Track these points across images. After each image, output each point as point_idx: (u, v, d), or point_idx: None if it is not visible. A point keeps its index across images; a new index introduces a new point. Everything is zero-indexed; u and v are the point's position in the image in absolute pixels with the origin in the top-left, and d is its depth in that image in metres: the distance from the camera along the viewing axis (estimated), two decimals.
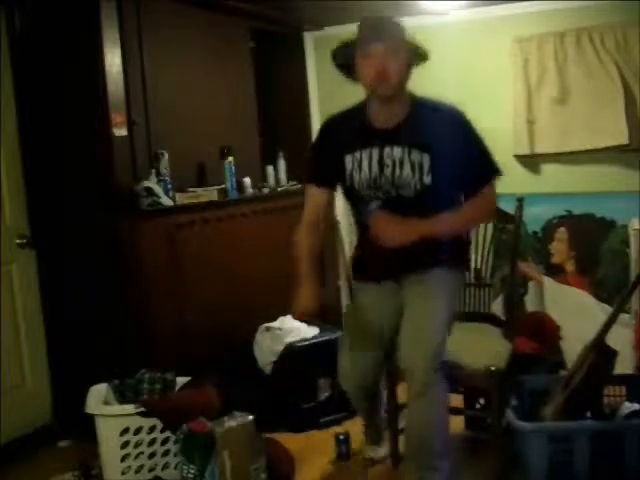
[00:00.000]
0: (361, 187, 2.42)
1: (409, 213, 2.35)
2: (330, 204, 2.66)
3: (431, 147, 2.31)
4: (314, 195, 2.58)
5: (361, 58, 2.29)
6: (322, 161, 2.55)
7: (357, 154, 2.39)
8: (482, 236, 3.09)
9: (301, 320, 2.95)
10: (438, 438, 2.54)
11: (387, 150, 2.34)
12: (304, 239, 2.57)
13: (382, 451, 2.95)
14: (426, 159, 2.31)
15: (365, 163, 2.38)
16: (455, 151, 2.30)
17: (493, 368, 2.65)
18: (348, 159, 2.42)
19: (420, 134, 2.32)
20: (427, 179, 2.32)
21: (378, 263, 2.53)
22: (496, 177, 2.44)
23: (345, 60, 2.36)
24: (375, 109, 2.39)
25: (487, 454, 2.81)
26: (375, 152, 2.36)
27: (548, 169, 4.12)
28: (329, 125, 2.55)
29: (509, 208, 3.01)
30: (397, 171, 2.34)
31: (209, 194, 3.45)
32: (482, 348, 2.84)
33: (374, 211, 2.38)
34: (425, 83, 4.25)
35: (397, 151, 2.33)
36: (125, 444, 2.67)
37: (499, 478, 2.73)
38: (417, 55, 2.36)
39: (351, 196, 2.53)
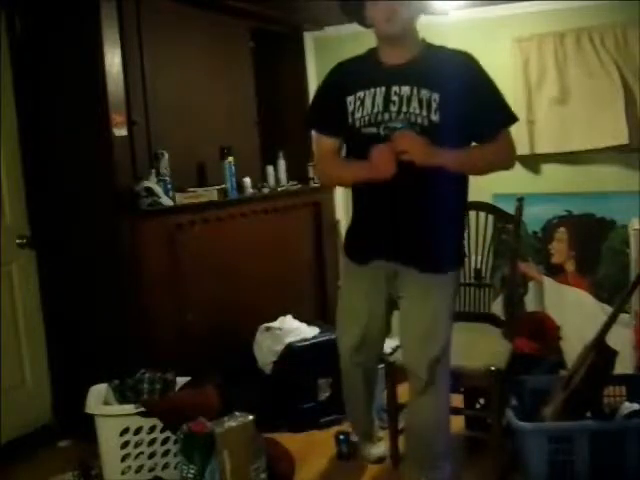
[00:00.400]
0: (362, 124, 2.29)
1: None
2: (340, 150, 2.49)
3: (441, 86, 2.21)
4: (322, 144, 2.48)
5: (369, 2, 2.24)
6: (325, 106, 2.46)
7: (360, 94, 2.30)
8: (482, 236, 3.09)
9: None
10: (438, 438, 2.55)
11: (395, 88, 2.25)
12: (325, 166, 2.51)
13: (379, 450, 2.94)
14: (435, 97, 2.20)
15: (368, 101, 2.27)
16: (467, 94, 2.21)
17: (493, 368, 2.65)
18: (350, 99, 2.32)
19: (430, 73, 2.24)
20: (435, 116, 2.21)
21: (373, 232, 2.42)
22: (511, 123, 2.34)
23: (354, 6, 2.32)
24: (385, 50, 2.33)
25: (487, 454, 2.81)
26: (380, 90, 2.26)
27: (548, 169, 4.12)
28: (335, 70, 2.48)
29: (509, 208, 3.01)
30: (404, 107, 2.23)
31: (209, 194, 3.45)
32: (482, 348, 2.84)
33: (400, 129, 2.22)
34: None
35: (405, 89, 2.24)
36: (125, 444, 2.67)
37: (499, 478, 2.73)
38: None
39: (353, 142, 2.39)
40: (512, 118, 2.36)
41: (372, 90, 2.28)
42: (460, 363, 2.71)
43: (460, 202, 2.48)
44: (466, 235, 3.05)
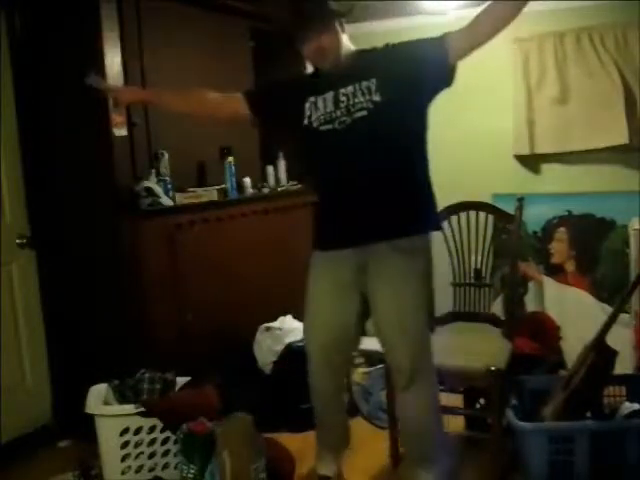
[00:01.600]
0: (319, 123, 2.48)
1: (369, 134, 2.41)
2: (234, 113, 2.84)
3: (376, 72, 2.42)
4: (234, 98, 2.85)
5: (298, 43, 2.46)
6: (271, 94, 2.74)
7: (312, 98, 2.51)
8: (482, 236, 3.09)
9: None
10: (428, 434, 2.56)
11: (341, 90, 2.45)
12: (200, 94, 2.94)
13: (333, 468, 2.76)
14: (372, 82, 2.41)
15: (320, 104, 2.49)
16: (401, 64, 2.41)
17: (493, 368, 2.65)
18: (306, 105, 2.52)
19: (363, 68, 2.45)
20: (376, 96, 2.40)
21: (337, 221, 2.53)
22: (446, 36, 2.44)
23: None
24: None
25: (487, 454, 2.81)
26: (329, 95, 2.48)
27: (548, 169, 4.12)
28: (296, 77, 2.92)
29: (509, 208, 3.01)
30: (351, 100, 2.43)
31: (209, 194, 3.45)
32: (482, 348, 2.84)
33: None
34: None
35: (349, 88, 2.45)
36: (125, 444, 2.67)
37: (499, 478, 2.73)
38: (340, 16, 2.47)
39: (311, 138, 2.55)
40: (441, 35, 2.45)
41: (322, 96, 2.50)
42: (460, 363, 2.71)
43: (422, 165, 2.53)
44: (466, 235, 3.08)
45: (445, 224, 3.05)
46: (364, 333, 2.71)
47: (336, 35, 2.43)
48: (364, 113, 2.41)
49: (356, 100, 2.42)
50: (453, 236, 3.09)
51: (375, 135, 2.42)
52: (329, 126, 2.46)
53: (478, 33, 2.44)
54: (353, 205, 2.45)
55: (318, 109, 2.49)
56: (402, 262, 2.44)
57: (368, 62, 2.48)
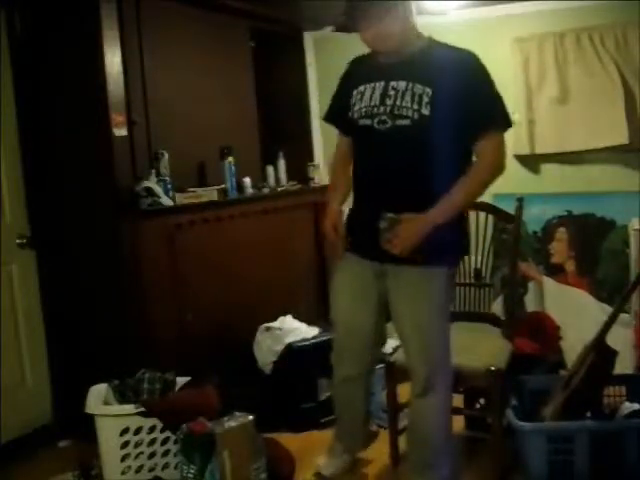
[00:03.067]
0: (359, 116, 2.37)
1: (406, 145, 2.29)
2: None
3: (435, 82, 2.26)
4: (338, 142, 2.67)
5: (355, 27, 2.33)
6: (338, 101, 2.57)
7: (361, 87, 2.39)
8: (482, 236, 3.09)
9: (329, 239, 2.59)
10: (439, 440, 2.55)
11: (392, 83, 2.31)
12: (337, 166, 2.65)
13: (335, 465, 2.80)
14: (427, 91, 2.25)
15: (367, 94, 2.36)
16: (463, 90, 2.24)
17: (493, 368, 2.65)
18: (354, 93, 2.41)
19: (426, 69, 2.29)
20: (425, 110, 2.25)
21: (362, 229, 2.45)
22: (505, 126, 2.33)
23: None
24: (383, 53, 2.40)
25: (487, 454, 2.81)
26: (380, 85, 2.34)
27: (548, 169, 4.12)
28: (347, 66, 2.59)
29: (509, 208, 3.01)
30: (398, 101, 2.29)
31: (209, 194, 3.45)
32: (482, 348, 2.84)
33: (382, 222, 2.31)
34: None
35: (401, 84, 2.29)
36: (125, 444, 2.67)
37: (499, 478, 2.73)
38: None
39: (352, 133, 2.49)
40: (505, 121, 2.34)
41: (372, 84, 2.35)
42: (460, 363, 2.71)
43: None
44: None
45: None
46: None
47: (399, 20, 2.27)
48: (408, 123, 2.27)
49: (404, 103, 2.28)
50: None
51: (416, 147, 2.28)
52: (367, 121, 2.35)
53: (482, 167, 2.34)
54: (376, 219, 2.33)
55: (363, 99, 2.36)
56: (418, 277, 2.38)
57: (432, 62, 2.30)
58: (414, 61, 2.32)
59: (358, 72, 2.48)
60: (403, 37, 2.32)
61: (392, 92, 2.30)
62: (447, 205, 2.27)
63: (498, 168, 2.32)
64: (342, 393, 2.76)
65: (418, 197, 2.31)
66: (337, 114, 2.56)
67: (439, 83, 2.25)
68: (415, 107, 2.26)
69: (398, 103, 2.28)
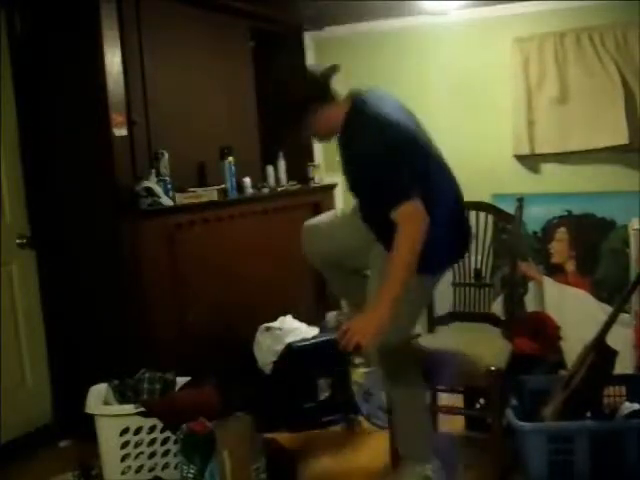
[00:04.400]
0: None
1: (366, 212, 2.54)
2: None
3: (345, 165, 2.51)
4: None
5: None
6: None
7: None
8: (482, 236, 3.09)
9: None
10: (407, 431, 2.61)
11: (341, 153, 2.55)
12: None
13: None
14: (345, 168, 2.51)
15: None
16: (365, 170, 2.41)
17: (493, 368, 2.65)
18: None
19: (342, 151, 2.52)
20: (348, 183, 2.52)
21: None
22: (403, 202, 2.33)
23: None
24: None
25: (487, 454, 2.81)
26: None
27: (548, 169, 4.13)
28: None
29: (509, 208, 3.01)
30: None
31: (209, 194, 3.45)
32: (482, 348, 2.84)
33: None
34: (425, 83, 4.27)
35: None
36: (125, 444, 2.67)
37: (499, 478, 2.73)
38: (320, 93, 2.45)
39: None
40: (403, 197, 2.35)
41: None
42: (459, 363, 2.72)
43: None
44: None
45: None
46: None
47: (322, 116, 2.43)
48: (349, 184, 2.53)
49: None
50: None
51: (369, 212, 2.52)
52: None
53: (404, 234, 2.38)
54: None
55: None
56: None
57: (344, 146, 2.49)
58: (340, 140, 2.51)
59: None
60: (332, 126, 2.46)
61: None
62: (384, 296, 2.34)
63: (412, 237, 2.35)
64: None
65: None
66: None
67: (346, 165, 2.50)
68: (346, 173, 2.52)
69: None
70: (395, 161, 2.35)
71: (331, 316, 3.79)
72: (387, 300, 2.33)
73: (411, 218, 2.35)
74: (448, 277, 3.14)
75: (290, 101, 2.48)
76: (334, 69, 2.45)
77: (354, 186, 2.51)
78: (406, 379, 2.58)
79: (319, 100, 2.43)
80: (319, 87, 2.43)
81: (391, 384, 2.61)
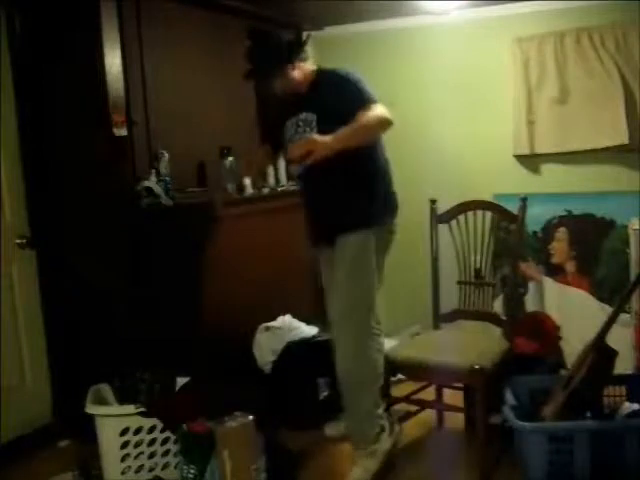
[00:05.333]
0: (287, 143, 2.89)
1: (313, 166, 2.72)
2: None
3: (316, 108, 2.80)
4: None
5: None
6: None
7: (287, 122, 2.92)
8: (484, 236, 3.09)
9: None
10: (347, 382, 2.77)
11: (300, 116, 2.85)
12: None
13: (340, 428, 3.10)
14: (312, 117, 2.80)
15: (289, 126, 2.90)
16: (334, 103, 2.73)
17: (477, 367, 2.67)
18: (284, 130, 2.93)
19: (310, 100, 2.83)
20: (314, 130, 2.76)
21: (311, 225, 2.99)
22: (371, 102, 2.69)
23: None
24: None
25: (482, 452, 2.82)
26: (294, 119, 2.88)
27: (548, 169, 4.12)
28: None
29: (509, 208, 3.01)
30: (300, 129, 2.84)
31: (209, 194, 3.44)
32: (471, 347, 2.87)
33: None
34: (425, 83, 4.26)
35: (303, 115, 2.84)
36: (125, 444, 2.67)
37: (484, 473, 2.73)
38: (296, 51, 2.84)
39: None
40: (369, 100, 2.72)
41: (291, 119, 2.89)
42: (446, 361, 2.75)
43: (361, 172, 2.81)
44: (472, 233, 3.11)
45: (454, 222, 3.14)
46: None
47: (289, 75, 2.80)
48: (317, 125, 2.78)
49: (300, 131, 2.83)
50: (460, 235, 3.13)
51: (316, 167, 2.70)
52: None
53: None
54: (314, 215, 2.96)
55: (288, 130, 2.89)
56: (338, 245, 2.83)
57: (316, 90, 2.83)
58: (305, 96, 2.85)
59: (284, 109, 2.99)
60: (296, 84, 2.84)
61: (300, 122, 2.84)
62: (341, 137, 2.63)
63: (381, 125, 2.71)
64: None
65: (331, 215, 2.84)
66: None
67: (319, 108, 2.79)
68: (307, 133, 2.78)
69: (300, 130, 2.83)
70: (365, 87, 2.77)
71: None
72: (340, 142, 2.61)
73: (377, 115, 2.67)
74: (454, 275, 3.17)
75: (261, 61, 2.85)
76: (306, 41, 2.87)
77: (324, 124, 2.73)
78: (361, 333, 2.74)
79: (296, 56, 2.82)
80: (284, 51, 2.82)
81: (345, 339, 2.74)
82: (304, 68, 2.86)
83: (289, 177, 4.09)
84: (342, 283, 2.79)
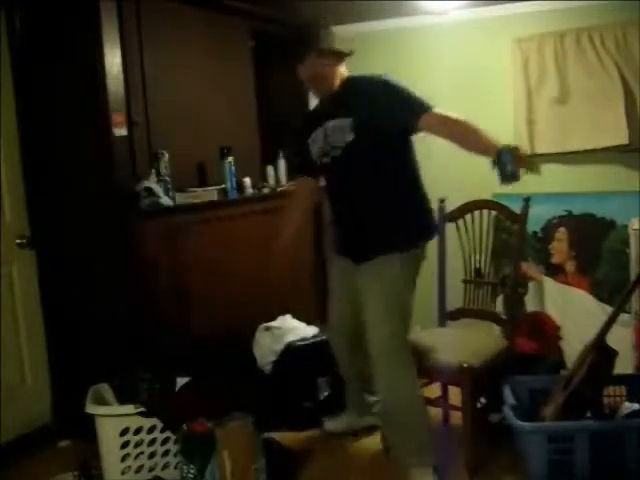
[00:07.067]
0: (317, 156, 2.83)
1: (341, 170, 2.74)
2: (314, 192, 3.14)
3: (352, 112, 2.68)
4: (302, 182, 3.15)
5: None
6: (299, 150, 2.99)
7: (313, 135, 2.84)
8: (484, 235, 3.10)
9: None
10: (401, 419, 2.67)
11: (328, 124, 2.76)
12: (295, 202, 3.18)
13: (339, 424, 3.20)
14: (347, 122, 2.68)
15: (315, 137, 2.82)
16: (377, 108, 2.63)
17: (465, 365, 2.67)
18: (309, 141, 2.86)
19: (344, 103, 2.73)
20: (349, 136, 2.68)
21: (340, 233, 2.93)
22: (428, 108, 2.62)
23: None
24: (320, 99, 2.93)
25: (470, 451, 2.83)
26: (321, 129, 2.79)
27: (548, 169, 4.12)
28: (301, 124, 3.04)
29: (513, 208, 3.02)
30: (330, 137, 2.75)
31: (209, 194, 3.45)
32: (464, 345, 2.88)
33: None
34: (425, 83, 4.26)
35: (332, 122, 2.74)
36: (125, 444, 2.68)
37: (472, 469, 2.75)
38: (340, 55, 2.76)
39: (315, 170, 2.93)
40: (428, 107, 2.63)
41: (318, 129, 2.81)
42: (437, 358, 2.76)
43: (398, 196, 2.74)
44: (478, 233, 3.11)
45: (460, 222, 3.16)
46: None
47: (331, 66, 2.71)
48: (338, 153, 2.72)
49: (334, 137, 2.72)
50: (467, 234, 3.14)
51: (347, 169, 2.73)
52: (322, 159, 2.81)
53: (448, 134, 2.63)
54: (343, 226, 2.91)
55: (316, 143, 2.82)
56: (376, 266, 2.73)
57: (348, 95, 2.73)
58: (334, 101, 2.77)
59: (308, 120, 2.96)
60: (332, 82, 2.75)
61: (329, 131, 2.75)
62: (485, 139, 2.56)
63: (463, 125, 2.61)
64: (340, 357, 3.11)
65: (375, 232, 2.74)
66: (304, 164, 2.99)
67: (356, 111, 2.67)
68: (341, 137, 2.70)
69: (330, 139, 2.75)
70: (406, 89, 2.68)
71: None
72: (488, 141, 2.52)
73: (448, 117, 2.59)
74: (457, 274, 3.17)
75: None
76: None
77: (360, 135, 2.66)
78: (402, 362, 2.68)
79: (333, 55, 2.73)
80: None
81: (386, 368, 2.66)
82: (341, 71, 2.78)
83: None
84: (380, 313, 2.67)
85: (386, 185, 2.71)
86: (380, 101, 2.64)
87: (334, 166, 2.77)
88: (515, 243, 3.07)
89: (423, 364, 2.81)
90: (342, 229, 2.91)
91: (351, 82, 2.77)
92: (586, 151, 3.92)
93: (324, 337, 3.40)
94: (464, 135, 2.58)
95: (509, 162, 2.42)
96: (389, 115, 2.62)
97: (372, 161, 2.69)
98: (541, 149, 4.03)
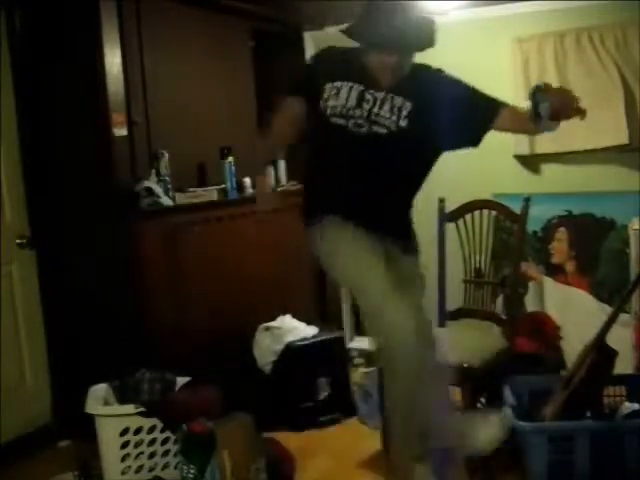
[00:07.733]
0: (333, 113, 2.32)
1: (380, 153, 2.30)
2: (299, 116, 2.57)
3: (415, 96, 2.28)
4: (291, 104, 2.57)
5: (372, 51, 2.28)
6: (306, 83, 2.52)
7: (337, 83, 2.33)
8: (485, 235, 3.10)
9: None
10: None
11: (371, 90, 2.30)
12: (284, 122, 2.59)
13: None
14: (407, 105, 2.28)
15: (344, 92, 2.31)
16: (444, 105, 2.29)
17: (465, 365, 2.68)
18: (328, 86, 2.35)
19: (406, 84, 2.30)
20: (403, 123, 2.27)
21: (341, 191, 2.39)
22: (503, 104, 2.38)
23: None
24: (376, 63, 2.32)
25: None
26: (358, 87, 2.30)
27: (548, 169, 4.12)
28: (323, 52, 2.53)
29: (513, 208, 3.01)
30: (376, 108, 2.28)
31: (209, 194, 3.45)
32: (466, 345, 2.87)
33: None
34: None
35: (380, 93, 2.29)
36: (125, 444, 2.67)
37: (471, 471, 2.73)
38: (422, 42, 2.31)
39: (320, 128, 2.42)
40: (499, 101, 2.40)
41: (350, 84, 2.30)
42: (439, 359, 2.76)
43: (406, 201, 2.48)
44: (478, 233, 3.11)
45: (460, 222, 3.14)
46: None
47: (408, 60, 2.30)
48: (383, 131, 2.28)
49: (382, 111, 2.28)
50: (467, 234, 3.14)
51: (390, 155, 2.29)
52: (341, 121, 2.31)
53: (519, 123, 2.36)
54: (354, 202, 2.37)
55: (339, 97, 2.31)
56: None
57: (412, 78, 2.32)
58: (396, 83, 2.31)
59: (333, 64, 2.42)
60: (401, 73, 2.32)
61: (369, 97, 2.29)
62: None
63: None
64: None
65: (385, 201, 2.36)
66: (305, 89, 2.50)
67: (419, 98, 2.28)
68: (394, 118, 2.28)
69: (375, 110, 2.28)
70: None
71: None
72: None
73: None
74: (457, 274, 3.17)
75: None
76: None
77: (415, 126, 2.27)
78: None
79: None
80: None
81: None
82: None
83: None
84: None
85: (408, 192, 2.45)
86: (457, 110, 2.31)
87: (362, 140, 2.30)
88: (515, 243, 3.07)
89: None
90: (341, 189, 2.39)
91: (416, 66, 2.36)
92: (586, 151, 3.92)
93: (324, 337, 3.40)
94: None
95: (542, 102, 2.25)
96: (462, 113, 2.31)
97: (412, 160, 2.36)
98: (541, 149, 4.03)
